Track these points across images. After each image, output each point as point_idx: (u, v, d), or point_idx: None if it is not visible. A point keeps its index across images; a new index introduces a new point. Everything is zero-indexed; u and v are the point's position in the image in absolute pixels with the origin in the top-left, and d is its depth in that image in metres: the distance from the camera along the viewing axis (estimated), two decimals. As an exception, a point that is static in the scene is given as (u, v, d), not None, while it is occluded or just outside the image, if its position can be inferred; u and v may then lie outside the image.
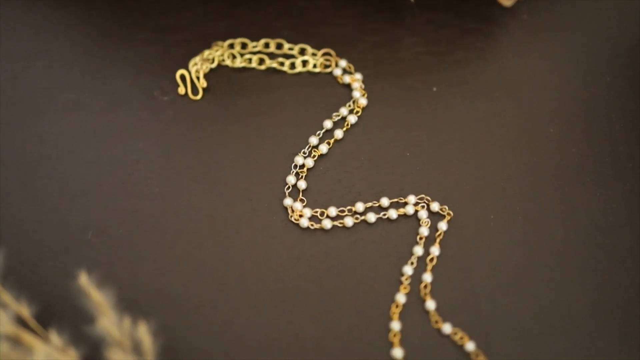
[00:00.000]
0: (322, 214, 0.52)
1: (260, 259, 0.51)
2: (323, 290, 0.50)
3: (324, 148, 0.54)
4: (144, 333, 0.45)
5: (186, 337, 0.48)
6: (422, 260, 0.51)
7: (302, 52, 0.58)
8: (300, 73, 0.57)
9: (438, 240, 0.51)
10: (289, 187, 0.53)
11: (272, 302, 0.50)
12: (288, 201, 0.52)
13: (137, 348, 0.45)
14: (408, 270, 0.50)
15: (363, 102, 0.56)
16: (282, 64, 0.57)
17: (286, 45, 0.58)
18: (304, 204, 0.53)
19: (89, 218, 0.52)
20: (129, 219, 0.52)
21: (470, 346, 0.48)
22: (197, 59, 0.57)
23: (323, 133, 0.55)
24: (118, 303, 0.46)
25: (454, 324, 0.49)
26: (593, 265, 0.51)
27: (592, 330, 0.49)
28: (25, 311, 0.46)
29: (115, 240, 0.51)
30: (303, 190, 0.53)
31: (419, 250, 0.51)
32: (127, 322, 0.45)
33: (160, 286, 0.50)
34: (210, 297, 0.50)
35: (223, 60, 0.57)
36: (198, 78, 0.56)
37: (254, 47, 0.58)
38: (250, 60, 0.58)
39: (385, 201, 0.52)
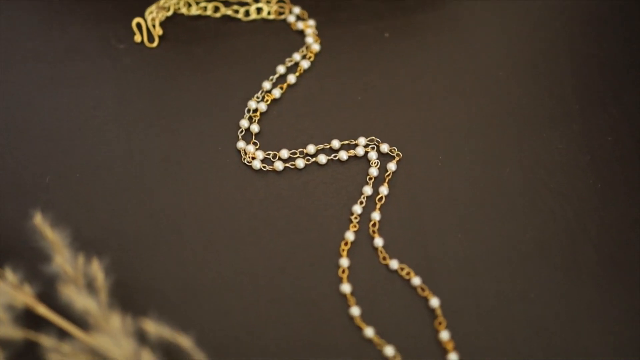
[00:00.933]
0: (274, 156, 0.53)
1: (214, 201, 0.52)
2: (275, 230, 0.51)
3: (277, 93, 0.55)
4: (97, 270, 0.47)
5: (140, 275, 0.50)
6: (371, 199, 0.52)
7: (257, -1, 0.59)
8: (254, 20, 0.58)
9: (387, 180, 0.53)
10: (242, 131, 0.54)
11: (225, 241, 0.51)
12: (241, 144, 0.53)
13: (90, 284, 0.46)
14: (357, 209, 0.52)
15: (316, 47, 0.57)
16: (236, 11, 0.58)
17: (241, -7, 0.59)
18: (257, 147, 0.54)
19: (47, 163, 0.53)
20: (85, 164, 0.53)
21: (416, 281, 0.50)
22: (153, 7, 0.58)
23: (276, 78, 0.56)
24: (73, 242, 0.47)
25: (401, 261, 0.50)
26: (538, 204, 0.52)
27: (535, 265, 0.51)
28: (-19, 250, 0.47)
29: (73, 184, 0.52)
30: (256, 134, 0.54)
31: (368, 190, 0.52)
32: (81, 259, 0.47)
33: (116, 227, 0.51)
34: (165, 237, 0.51)
35: (179, 8, 0.58)
36: (154, 26, 0.57)
37: (209, -5, 0.59)
38: (205, 8, 0.58)
39: (336, 143, 0.54)
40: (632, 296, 0.50)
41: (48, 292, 0.46)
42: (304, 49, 0.57)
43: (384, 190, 0.52)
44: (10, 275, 0.46)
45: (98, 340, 0.44)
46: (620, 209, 0.52)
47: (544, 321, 0.49)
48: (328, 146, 0.54)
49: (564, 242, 0.51)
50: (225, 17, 0.58)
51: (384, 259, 0.51)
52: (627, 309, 0.49)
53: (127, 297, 0.48)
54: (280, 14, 0.58)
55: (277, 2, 0.58)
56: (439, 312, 0.49)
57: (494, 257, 0.51)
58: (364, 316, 0.49)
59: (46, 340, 0.44)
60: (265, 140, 0.54)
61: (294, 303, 0.49)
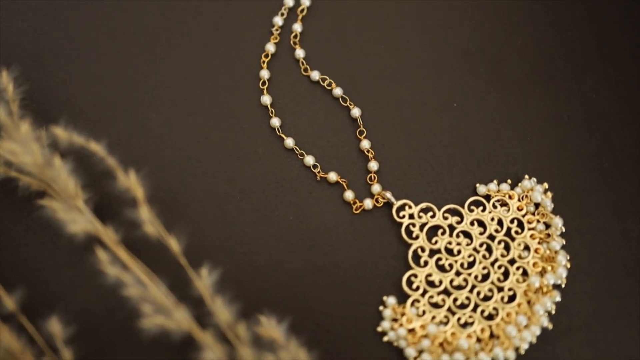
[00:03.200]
0: (192, -32, 0.51)
1: (129, 17, 0.50)
2: (193, 43, 0.50)
3: None
4: (6, 81, 0.45)
5: (53, 88, 0.48)
6: (292, 11, 0.51)
7: None
8: None
9: (309, -9, 0.51)
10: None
11: (142, 57, 0.50)
12: (157, -44, 0.51)
13: (0, 96, 0.45)
14: (278, 20, 0.50)
15: None
16: None
17: None
18: (174, -41, 0.52)
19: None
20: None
21: (337, 91, 0.49)
22: None
23: None
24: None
25: (323, 72, 0.50)
26: (463, 15, 0.51)
27: (459, 75, 0.50)
28: None
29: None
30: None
31: (289, 1, 0.51)
32: (-12, 73, 0.45)
33: (27, 42, 0.49)
34: (80, 51, 0.49)
35: None
36: None
37: None
38: None
39: (256, -46, 0.52)
40: (553, 106, 0.49)
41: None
42: None
43: (306, 1, 0.51)
44: None
45: (8, 148, 0.43)
46: (548, 20, 0.51)
47: (466, 129, 0.49)
48: (248, -43, 0.52)
49: (489, 53, 0.51)
50: None
51: (305, 70, 0.50)
52: (548, 117, 0.49)
53: (39, 108, 0.47)
54: None
55: None
56: (360, 121, 0.49)
57: (417, 68, 0.50)
58: (284, 127, 0.49)
59: (-45, 150, 0.43)
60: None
61: (214, 116, 0.49)
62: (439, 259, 0.46)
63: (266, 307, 0.44)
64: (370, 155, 0.48)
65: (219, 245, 0.46)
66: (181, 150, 0.48)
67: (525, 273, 0.46)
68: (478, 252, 0.46)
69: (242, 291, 0.45)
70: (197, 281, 0.42)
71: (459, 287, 0.46)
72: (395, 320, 0.45)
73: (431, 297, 0.45)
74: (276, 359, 0.40)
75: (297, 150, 0.48)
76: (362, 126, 0.48)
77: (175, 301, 0.41)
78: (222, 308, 0.41)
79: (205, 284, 0.42)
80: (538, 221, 0.47)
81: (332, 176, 0.47)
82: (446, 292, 0.46)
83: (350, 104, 0.49)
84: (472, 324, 0.45)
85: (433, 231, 0.47)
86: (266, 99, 0.48)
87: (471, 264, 0.46)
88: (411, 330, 0.45)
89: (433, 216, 0.47)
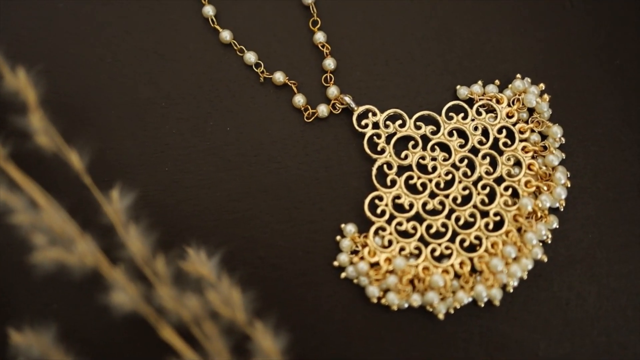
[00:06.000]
0: None
1: None
2: None
3: None
4: None
5: None
6: None
7: None
8: None
9: None
10: None
11: None
12: None
13: None
14: None
15: None
16: None
17: None
18: None
19: None
20: None
21: (286, -27, 0.41)
22: None
23: None
24: None
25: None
26: None
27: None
28: None
29: None
30: None
31: None
32: None
33: None
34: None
35: None
36: None
37: None
38: None
39: None
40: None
41: None
42: None
43: None
44: None
45: None
46: None
47: (445, 18, 0.43)
48: None
49: None
50: None
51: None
52: (546, 3, 0.42)
53: None
54: None
55: None
56: (313, 9, 0.43)
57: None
58: (220, 17, 0.42)
59: None
60: None
61: (135, 4, 0.42)
62: (410, 178, 0.40)
63: (195, 237, 0.38)
64: (325, 51, 0.42)
65: (137, 162, 0.40)
66: (93, 46, 0.41)
67: (515, 194, 0.39)
68: (457, 169, 0.40)
69: (164, 217, 0.38)
70: (106, 205, 0.36)
71: (434, 212, 0.40)
72: (355, 252, 0.39)
73: (399, 224, 0.39)
74: (201, 301, 0.34)
75: (236, 46, 0.42)
76: (315, 15, 0.42)
77: (78, 230, 0.34)
78: (137, 238, 0.35)
79: (116, 208, 0.36)
80: (532, 130, 0.41)
81: (279, 77, 0.41)
82: (418, 217, 0.39)
83: (301, -9, 0.42)
84: (449, 256, 0.39)
85: (403, 143, 0.40)
86: (209, 10, 0.42)
87: (449, 184, 0.40)
88: (374, 265, 0.39)
89: (403, 125, 0.41)
